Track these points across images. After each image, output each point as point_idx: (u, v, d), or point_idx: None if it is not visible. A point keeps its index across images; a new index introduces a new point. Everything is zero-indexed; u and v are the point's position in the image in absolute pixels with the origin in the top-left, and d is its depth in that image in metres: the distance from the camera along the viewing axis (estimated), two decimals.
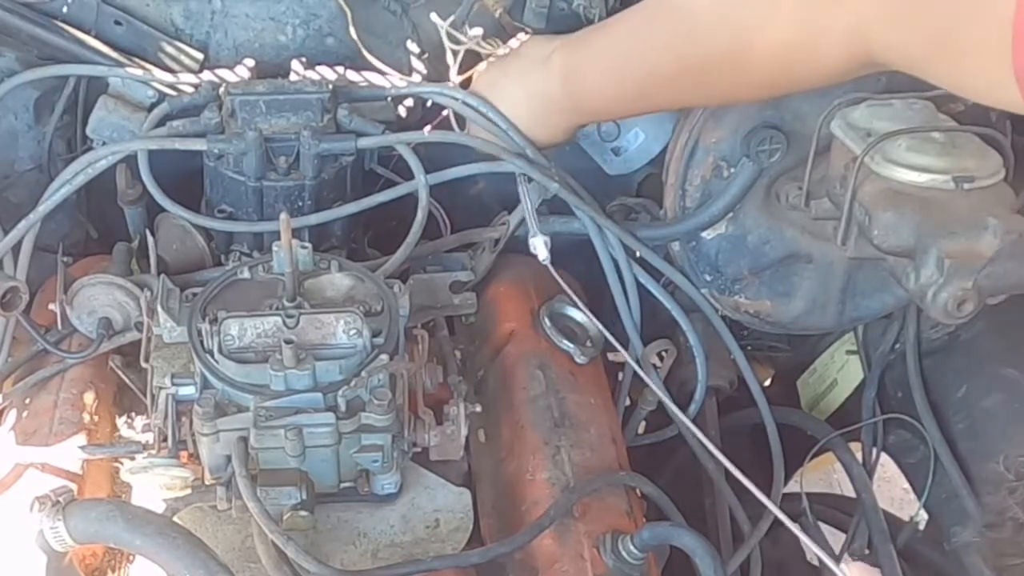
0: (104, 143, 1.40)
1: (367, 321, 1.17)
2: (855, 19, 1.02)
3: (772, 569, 1.46)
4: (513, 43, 1.39)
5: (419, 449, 1.23)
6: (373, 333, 1.16)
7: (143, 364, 1.27)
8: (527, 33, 1.40)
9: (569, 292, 1.38)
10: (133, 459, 1.20)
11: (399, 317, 1.21)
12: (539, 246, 1.36)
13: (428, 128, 1.42)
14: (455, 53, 1.39)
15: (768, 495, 1.46)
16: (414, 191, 1.38)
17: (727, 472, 1.44)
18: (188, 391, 1.18)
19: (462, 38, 1.38)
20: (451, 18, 1.38)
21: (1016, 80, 0.88)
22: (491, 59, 1.39)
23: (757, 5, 1.12)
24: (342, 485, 1.20)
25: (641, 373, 1.37)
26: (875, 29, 1.01)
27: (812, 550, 1.04)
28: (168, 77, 1.41)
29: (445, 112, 1.42)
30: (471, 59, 1.40)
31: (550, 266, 1.36)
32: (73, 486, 1.17)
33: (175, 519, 1.12)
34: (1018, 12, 0.86)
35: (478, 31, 1.39)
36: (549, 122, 1.36)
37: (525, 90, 1.35)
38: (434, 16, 1.39)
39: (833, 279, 1.45)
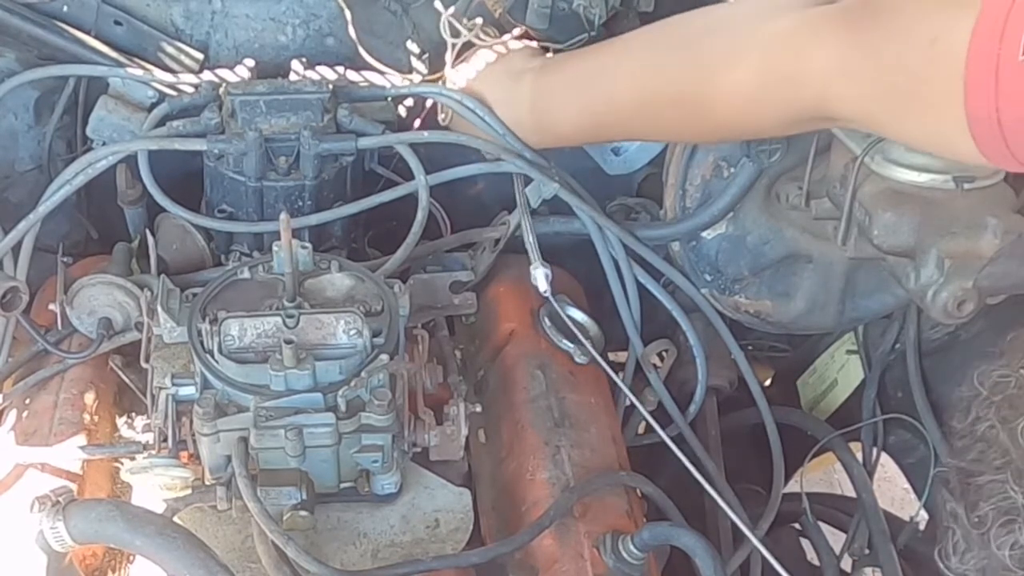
0: (104, 143, 1.40)
1: (367, 321, 1.17)
2: (814, 73, 1.03)
3: (772, 569, 1.45)
4: (508, 38, 1.39)
5: (419, 449, 1.23)
6: (373, 333, 1.16)
7: (143, 364, 1.27)
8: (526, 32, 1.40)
9: (558, 311, 1.36)
10: (133, 459, 1.20)
11: (399, 317, 1.21)
12: (539, 278, 1.34)
13: (417, 123, 1.41)
14: (454, 45, 1.39)
15: (768, 495, 1.48)
16: (414, 191, 1.38)
17: (727, 472, 1.45)
18: (188, 391, 1.18)
19: (462, 30, 1.38)
20: (451, 9, 1.38)
21: (970, 132, 0.89)
22: (484, 51, 1.38)
23: (723, 53, 1.14)
24: (342, 485, 1.20)
25: (629, 392, 1.37)
26: (832, 83, 1.02)
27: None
28: (168, 77, 1.41)
29: (443, 113, 1.42)
30: (467, 48, 1.40)
31: (551, 298, 1.34)
32: (73, 486, 1.17)
33: (175, 519, 1.12)
34: (968, 64, 0.87)
35: (477, 20, 1.39)
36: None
37: (495, 100, 1.36)
38: (437, 3, 1.38)
39: (833, 279, 1.45)
